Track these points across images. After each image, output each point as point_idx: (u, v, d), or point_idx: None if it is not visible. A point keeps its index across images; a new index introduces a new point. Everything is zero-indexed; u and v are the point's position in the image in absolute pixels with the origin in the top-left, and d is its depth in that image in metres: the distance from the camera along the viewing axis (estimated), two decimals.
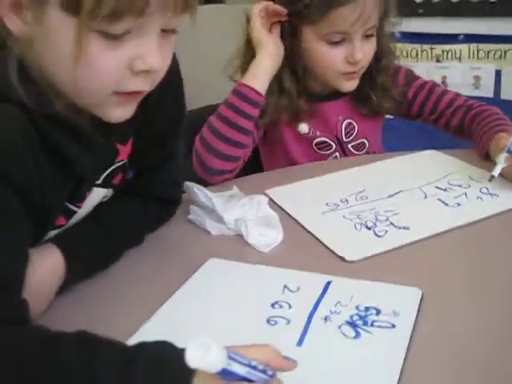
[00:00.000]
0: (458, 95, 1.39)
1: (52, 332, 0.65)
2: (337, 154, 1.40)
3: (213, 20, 4.35)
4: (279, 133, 1.37)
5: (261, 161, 1.46)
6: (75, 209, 0.87)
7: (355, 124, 1.39)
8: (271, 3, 1.25)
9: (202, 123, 1.24)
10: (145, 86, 0.75)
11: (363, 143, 1.41)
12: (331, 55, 1.24)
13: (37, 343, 0.62)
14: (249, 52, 1.30)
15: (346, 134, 1.39)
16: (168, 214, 1.06)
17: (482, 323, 0.72)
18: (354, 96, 1.37)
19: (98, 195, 0.91)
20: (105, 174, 0.90)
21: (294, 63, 1.29)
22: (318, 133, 1.37)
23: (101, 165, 0.88)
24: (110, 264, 0.91)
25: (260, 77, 1.24)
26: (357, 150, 1.41)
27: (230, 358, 0.52)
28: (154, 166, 0.98)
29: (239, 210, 1.00)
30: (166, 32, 0.72)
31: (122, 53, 0.69)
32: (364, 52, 1.24)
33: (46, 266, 0.80)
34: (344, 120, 1.38)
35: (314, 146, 1.38)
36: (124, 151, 0.91)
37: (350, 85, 1.30)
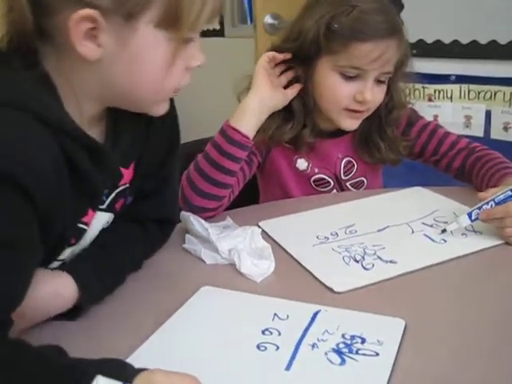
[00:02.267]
0: (460, 137, 1.40)
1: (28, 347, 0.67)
2: (335, 191, 1.41)
3: (212, 53, 4.44)
4: (276, 167, 1.39)
5: (256, 194, 1.49)
6: (83, 226, 0.90)
7: (354, 162, 1.41)
8: (277, 54, 1.27)
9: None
10: (188, 80, 0.86)
11: (362, 181, 1.43)
12: (341, 89, 1.24)
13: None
14: None
15: (344, 172, 1.40)
16: (164, 234, 1.08)
17: (461, 356, 0.75)
18: (359, 140, 1.39)
19: (103, 219, 0.95)
20: (110, 198, 0.93)
21: (306, 93, 1.30)
22: (316, 169, 1.38)
23: (108, 186, 0.91)
24: (116, 287, 0.93)
25: (246, 117, 1.22)
26: (355, 188, 1.43)
27: None
28: (154, 189, 1.02)
29: (233, 240, 1.04)
30: None
31: (186, 54, 0.80)
32: (374, 95, 1.25)
33: (49, 291, 0.82)
34: (343, 158, 1.40)
35: (312, 183, 1.39)
36: (127, 175, 0.95)
37: (352, 124, 1.30)
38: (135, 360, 0.74)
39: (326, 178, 1.40)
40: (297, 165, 1.38)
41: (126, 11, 0.72)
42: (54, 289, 0.83)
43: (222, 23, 4.39)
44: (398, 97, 1.35)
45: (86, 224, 0.90)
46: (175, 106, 1.01)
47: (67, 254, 0.91)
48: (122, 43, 0.75)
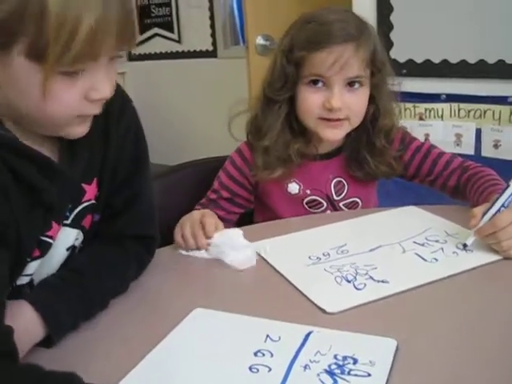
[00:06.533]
0: (453, 157, 1.41)
1: (42, 372, 0.68)
2: (328, 212, 1.41)
3: (205, 73, 4.46)
4: (267, 194, 1.41)
5: (250, 213, 1.51)
6: (47, 239, 0.91)
7: (345, 183, 1.41)
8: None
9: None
10: (99, 109, 0.85)
11: (356, 202, 1.44)
12: (311, 99, 1.29)
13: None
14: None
15: (336, 193, 1.41)
16: (148, 252, 1.09)
17: (453, 376, 0.75)
18: (349, 157, 1.40)
19: (69, 236, 0.96)
20: (74, 214, 0.95)
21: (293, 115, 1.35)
22: (308, 191, 1.39)
23: (67, 199, 0.93)
24: (95, 313, 0.94)
25: None
26: (349, 209, 1.43)
27: None
28: (123, 205, 1.04)
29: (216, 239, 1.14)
30: (112, 59, 0.82)
31: (79, 87, 0.79)
32: (345, 101, 1.27)
33: (19, 327, 0.79)
34: (334, 178, 1.41)
35: (305, 205, 1.41)
36: (90, 191, 0.97)
37: (332, 133, 1.32)
38: (127, 383, 0.75)
39: (319, 199, 1.40)
40: (288, 189, 1.40)
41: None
42: (22, 324, 0.81)
43: (214, 44, 4.44)
44: (382, 104, 1.36)
45: (52, 238, 0.92)
46: (140, 123, 1.05)
47: (34, 267, 0.92)
48: (4, 69, 0.76)
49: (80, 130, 0.87)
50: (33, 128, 0.86)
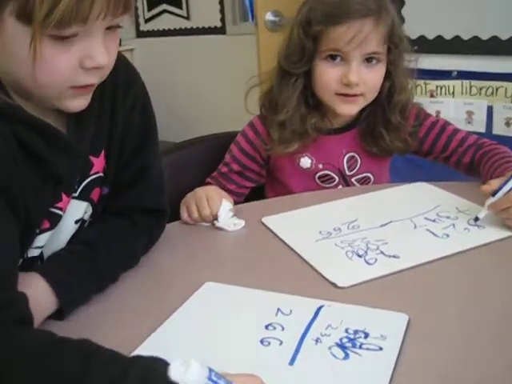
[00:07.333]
0: (469, 134, 1.40)
1: (56, 338, 0.68)
2: (340, 187, 1.41)
3: (214, 50, 4.44)
4: (279, 168, 1.41)
5: (262, 188, 1.51)
6: (57, 211, 0.91)
7: (358, 157, 1.41)
8: None
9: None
10: (95, 79, 0.84)
11: (368, 177, 1.43)
12: (328, 74, 1.29)
13: (39, 349, 0.66)
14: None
15: (348, 168, 1.41)
16: (159, 225, 1.09)
17: (464, 350, 0.75)
18: (364, 133, 1.39)
19: (78, 208, 0.96)
20: (82, 186, 0.95)
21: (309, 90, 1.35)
22: (320, 166, 1.39)
23: (75, 171, 0.92)
24: (106, 286, 0.94)
25: None
26: (361, 185, 1.43)
27: (210, 378, 0.55)
28: (132, 179, 1.03)
29: None
30: (110, 29, 0.81)
31: (72, 53, 0.78)
32: (362, 77, 1.27)
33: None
34: (347, 153, 1.41)
35: (317, 180, 1.40)
36: (98, 163, 0.97)
37: (348, 108, 1.32)
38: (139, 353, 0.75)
39: (331, 173, 1.40)
40: (300, 164, 1.39)
41: None
42: (33, 296, 0.80)
43: (223, 21, 4.41)
44: (398, 81, 1.35)
45: (61, 210, 0.92)
46: (148, 95, 1.04)
47: (44, 240, 0.92)
48: None
49: (78, 104, 0.86)
50: (33, 100, 0.85)
